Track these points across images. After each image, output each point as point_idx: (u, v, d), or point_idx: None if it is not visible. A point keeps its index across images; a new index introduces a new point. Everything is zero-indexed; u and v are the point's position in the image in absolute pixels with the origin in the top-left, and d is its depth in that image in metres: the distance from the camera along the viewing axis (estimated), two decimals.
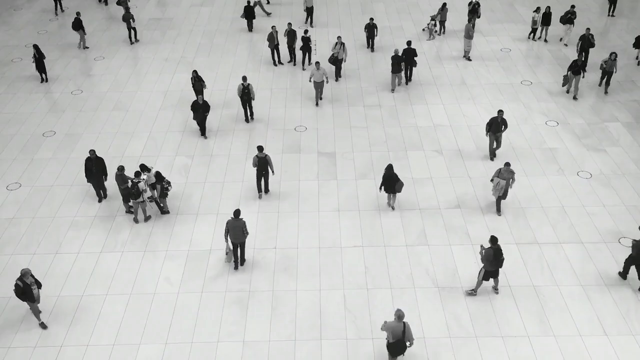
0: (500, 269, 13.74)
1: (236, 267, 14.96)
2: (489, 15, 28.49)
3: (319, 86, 21.11)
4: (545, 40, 25.72)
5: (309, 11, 27.25)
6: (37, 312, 13.30)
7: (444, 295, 14.11)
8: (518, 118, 20.62)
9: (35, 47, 22.61)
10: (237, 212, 14.35)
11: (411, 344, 11.77)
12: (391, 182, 16.13)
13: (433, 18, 26.22)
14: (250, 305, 13.94)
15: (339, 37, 22.53)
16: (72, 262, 15.20)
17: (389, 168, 16.03)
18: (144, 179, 15.86)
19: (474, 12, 25.98)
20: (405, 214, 16.54)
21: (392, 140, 19.59)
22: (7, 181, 18.10)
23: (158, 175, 16.29)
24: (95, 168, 16.60)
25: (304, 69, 24.07)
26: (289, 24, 23.79)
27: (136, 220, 16.33)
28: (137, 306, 13.97)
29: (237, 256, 14.88)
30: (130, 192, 15.73)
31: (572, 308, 13.71)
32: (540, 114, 20.84)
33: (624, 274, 14.32)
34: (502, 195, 16.02)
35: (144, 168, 16.23)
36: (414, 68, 23.00)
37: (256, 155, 16.59)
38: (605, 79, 21.73)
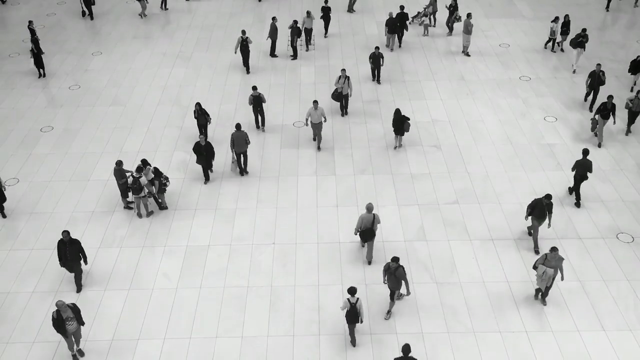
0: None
1: (242, 174, 17.81)
2: (487, 10, 28.44)
3: (317, 128, 18.39)
4: (562, 50, 24.38)
5: (308, 33, 24.70)
6: (70, 345, 12.32)
7: (443, 290, 14.12)
8: (516, 113, 20.61)
9: (34, 42, 22.53)
10: (238, 125, 17.12)
11: (375, 231, 14.37)
12: (399, 125, 18.24)
13: (426, 13, 26.22)
14: (248, 300, 13.95)
15: (342, 70, 19.91)
16: None
17: (397, 112, 18.16)
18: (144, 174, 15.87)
19: (452, 13, 25.78)
20: (404, 209, 16.55)
21: (390, 135, 19.57)
22: (5, 176, 18.06)
23: (156, 171, 16.28)
24: (69, 254, 13.54)
25: (326, 36, 26.08)
26: (295, 21, 23.75)
27: (140, 215, 16.31)
28: (135, 301, 13.98)
29: (241, 165, 17.64)
30: (132, 187, 15.71)
31: (570, 303, 13.74)
32: (539, 109, 20.84)
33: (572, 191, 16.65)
34: (549, 285, 13.32)
35: (145, 163, 16.22)
36: (405, 32, 25.22)
37: (251, 95, 19.17)
38: (631, 120, 19.11)
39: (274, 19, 23.62)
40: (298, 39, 24.25)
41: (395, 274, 12.71)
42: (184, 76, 23.30)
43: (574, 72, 22.86)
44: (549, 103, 21.16)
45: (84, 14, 27.73)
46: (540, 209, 14.57)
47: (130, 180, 15.81)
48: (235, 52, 23.31)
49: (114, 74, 23.58)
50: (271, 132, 19.85)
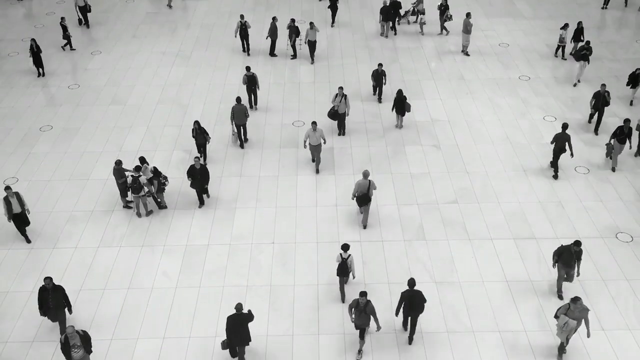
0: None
1: (242, 146, 18.82)
2: (487, 10, 28.44)
3: (316, 150, 17.54)
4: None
5: (312, 45, 23.67)
6: None
7: (442, 289, 14.13)
8: (516, 113, 20.61)
9: (33, 40, 22.52)
10: (238, 99, 18.27)
11: (370, 196, 15.42)
12: (401, 105, 19.19)
13: (416, 12, 26.34)
14: (247, 299, 13.95)
15: (340, 88, 18.82)
16: (70, 256, 15.18)
17: (399, 92, 19.04)
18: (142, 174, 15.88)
19: (443, 13, 25.80)
20: (403, 208, 16.55)
21: (390, 135, 19.57)
22: (4, 176, 18.05)
23: (155, 170, 16.27)
24: (52, 301, 12.49)
25: (333, 26, 26.95)
26: (292, 19, 23.75)
27: (139, 215, 16.31)
28: (134, 301, 13.97)
29: (241, 137, 18.69)
30: (132, 187, 15.71)
31: None
32: (538, 108, 20.84)
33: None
34: (570, 337, 12.25)
35: (143, 161, 16.21)
36: (398, 20, 26.35)
37: (245, 75, 20.06)
38: None
39: (274, 18, 23.62)
40: (297, 38, 24.22)
41: (365, 311, 11.88)
42: (184, 75, 23.29)
43: (575, 85, 21.99)
44: (549, 103, 21.16)
45: (80, 22, 27.11)
46: (568, 256, 13.20)
47: (129, 179, 15.80)
48: (235, 36, 24.31)
49: (113, 73, 23.57)
50: (271, 132, 19.84)
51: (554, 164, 17.42)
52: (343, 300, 13.73)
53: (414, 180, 17.60)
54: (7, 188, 14.79)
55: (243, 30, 24.01)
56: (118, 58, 24.64)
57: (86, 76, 23.35)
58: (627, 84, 20.72)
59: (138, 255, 15.20)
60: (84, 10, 26.86)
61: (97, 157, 18.74)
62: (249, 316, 11.90)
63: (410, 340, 12.79)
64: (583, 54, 21.50)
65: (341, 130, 19.53)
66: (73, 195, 17.24)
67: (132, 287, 14.32)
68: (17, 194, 14.96)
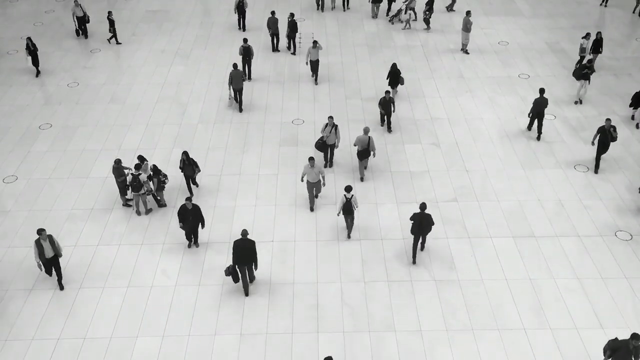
0: None
1: (240, 110, 20.53)
2: (486, 8, 28.43)
3: (313, 187, 16.10)
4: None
5: (314, 65, 22.05)
6: None
7: (441, 287, 14.14)
8: (515, 111, 20.61)
9: (29, 39, 22.36)
10: (235, 65, 20.05)
11: (374, 154, 17.28)
12: (395, 77, 20.71)
13: (407, 8, 26.37)
14: (247, 298, 13.95)
15: (330, 118, 17.39)
16: (69, 254, 15.18)
17: (394, 65, 20.55)
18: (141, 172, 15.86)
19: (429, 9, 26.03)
20: (403, 207, 16.56)
21: (389, 133, 19.56)
22: (3, 174, 18.04)
23: (155, 168, 16.26)
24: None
25: (345, 10, 28.07)
26: (291, 14, 23.78)
27: (138, 213, 16.31)
28: (134, 299, 13.98)
29: (237, 100, 20.53)
30: (131, 185, 15.70)
31: (569, 301, 13.76)
32: None
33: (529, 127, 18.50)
34: None
35: (142, 159, 16.20)
36: (392, 20, 27.00)
37: (241, 46, 21.90)
38: None
39: (272, 12, 23.88)
40: (296, 34, 24.24)
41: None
42: (183, 73, 23.27)
43: (576, 103, 20.85)
44: (548, 100, 21.15)
45: (78, 33, 25.84)
46: (625, 353, 11.25)
47: (129, 178, 15.79)
48: (235, 12, 25.87)
49: (112, 71, 23.54)
50: (270, 130, 19.83)
51: (530, 125, 19.29)
52: (349, 236, 15.44)
53: (414, 178, 17.60)
54: (41, 231, 13.50)
55: (240, 7, 25.61)
56: (117, 56, 24.62)
57: (85, 74, 23.33)
58: (630, 105, 19.72)
59: (137, 254, 15.20)
60: (82, 20, 25.60)
61: (96, 156, 18.73)
62: (254, 243, 13.41)
63: (417, 255, 14.90)
64: (584, 73, 20.21)
65: (328, 162, 17.93)
66: (72, 193, 17.24)
67: (132, 286, 14.32)
68: (50, 237, 13.63)
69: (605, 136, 17.16)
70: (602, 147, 17.28)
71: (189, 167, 16.22)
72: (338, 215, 15.07)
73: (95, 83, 22.74)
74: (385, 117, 19.63)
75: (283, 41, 25.41)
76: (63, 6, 29.22)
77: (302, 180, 16.40)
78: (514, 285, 14.18)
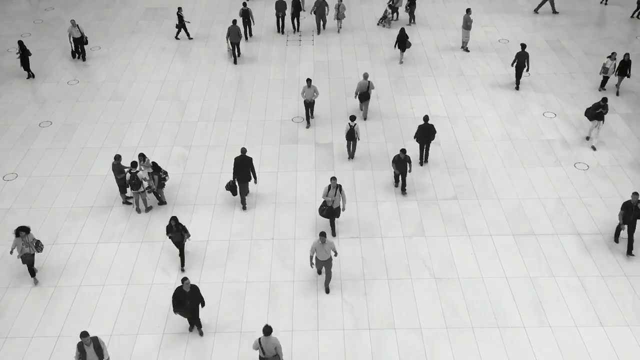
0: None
1: (235, 62, 23.20)
2: (486, 6, 28.39)
3: (325, 265, 13.67)
4: (617, 94, 21.01)
5: (308, 106, 19.46)
6: None
7: (441, 286, 14.15)
8: (516, 109, 20.61)
9: (20, 42, 22.06)
10: (234, 21, 22.55)
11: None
12: (403, 42, 22.77)
13: (396, 8, 26.47)
14: (247, 296, 13.96)
15: (333, 179, 14.96)
16: (70, 252, 15.19)
17: (402, 30, 22.63)
18: (141, 169, 15.84)
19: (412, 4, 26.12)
20: (403, 204, 16.55)
21: (389, 131, 19.57)
22: (3, 171, 18.04)
23: (155, 165, 16.25)
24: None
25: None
26: None
27: (138, 210, 16.30)
28: (134, 296, 13.99)
29: (235, 54, 22.99)
30: (130, 183, 15.69)
31: (569, 299, 13.77)
32: (538, 104, 20.83)
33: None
34: None
35: (143, 157, 16.17)
36: (382, 21, 26.79)
37: (241, 9, 24.16)
38: None
39: None
40: (301, 11, 25.59)
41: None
42: (183, 71, 23.26)
43: (587, 139, 18.99)
44: (548, 99, 21.15)
45: (74, 55, 23.99)
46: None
47: (128, 176, 15.77)
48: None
49: (112, 68, 23.53)
50: (270, 129, 19.81)
51: (517, 79, 21.34)
52: (350, 157, 17.89)
53: (413, 176, 17.59)
54: (84, 335, 10.84)
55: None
56: (117, 54, 24.60)
57: (85, 72, 23.31)
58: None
59: (137, 251, 15.21)
60: (80, 42, 23.69)
61: (96, 153, 18.73)
62: (252, 160, 15.37)
63: (424, 162, 17.85)
64: (598, 113, 18.10)
65: (334, 229, 15.55)
66: (72, 191, 17.24)
67: (132, 283, 14.33)
68: (94, 340, 11.04)
69: (630, 212, 14.38)
70: (631, 226, 14.55)
71: (177, 233, 14.18)
72: (346, 139, 17.52)
73: (95, 80, 22.72)
74: (400, 176, 16.84)
75: (288, 24, 26.48)
76: (62, 4, 29.20)
77: (312, 263, 13.59)
78: (514, 283, 14.19)
